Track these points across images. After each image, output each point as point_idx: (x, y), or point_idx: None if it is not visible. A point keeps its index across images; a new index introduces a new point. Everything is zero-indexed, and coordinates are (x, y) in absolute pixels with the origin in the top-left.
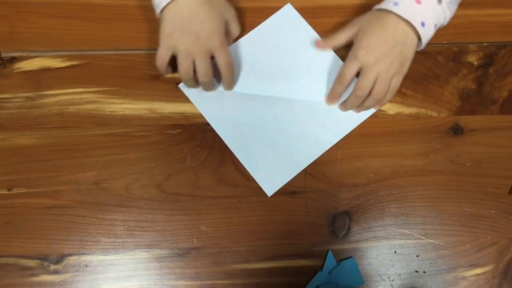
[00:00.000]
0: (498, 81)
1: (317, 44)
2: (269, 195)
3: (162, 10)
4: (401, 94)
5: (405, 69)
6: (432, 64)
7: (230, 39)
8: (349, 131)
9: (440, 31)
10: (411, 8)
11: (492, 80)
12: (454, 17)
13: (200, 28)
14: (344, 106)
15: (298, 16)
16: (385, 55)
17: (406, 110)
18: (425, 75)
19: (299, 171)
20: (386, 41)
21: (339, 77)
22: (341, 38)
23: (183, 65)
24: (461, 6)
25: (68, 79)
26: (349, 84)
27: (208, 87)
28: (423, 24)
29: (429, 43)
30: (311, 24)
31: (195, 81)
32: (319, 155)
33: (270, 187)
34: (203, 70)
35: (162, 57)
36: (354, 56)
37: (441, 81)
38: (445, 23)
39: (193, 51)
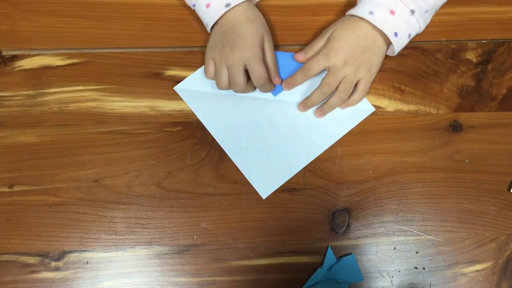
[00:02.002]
0: (497, 78)
1: (296, 58)
2: (263, 197)
3: (211, 29)
4: (400, 92)
5: (371, 75)
6: (430, 61)
7: (264, 55)
8: (343, 133)
9: (439, 28)
10: (386, 18)
11: (490, 77)
12: (453, 15)
13: (236, 41)
14: (305, 102)
15: None
16: (354, 58)
17: (405, 107)
18: (424, 73)
19: (294, 174)
20: (357, 46)
21: (304, 68)
22: (318, 46)
23: (218, 75)
24: (459, 3)
25: (68, 77)
26: (311, 77)
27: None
28: (396, 34)
29: (427, 40)
30: (308, 21)
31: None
32: (314, 157)
33: (265, 189)
34: (234, 79)
35: (207, 70)
36: (325, 55)
37: (440, 78)
38: (420, 32)
39: (227, 62)
